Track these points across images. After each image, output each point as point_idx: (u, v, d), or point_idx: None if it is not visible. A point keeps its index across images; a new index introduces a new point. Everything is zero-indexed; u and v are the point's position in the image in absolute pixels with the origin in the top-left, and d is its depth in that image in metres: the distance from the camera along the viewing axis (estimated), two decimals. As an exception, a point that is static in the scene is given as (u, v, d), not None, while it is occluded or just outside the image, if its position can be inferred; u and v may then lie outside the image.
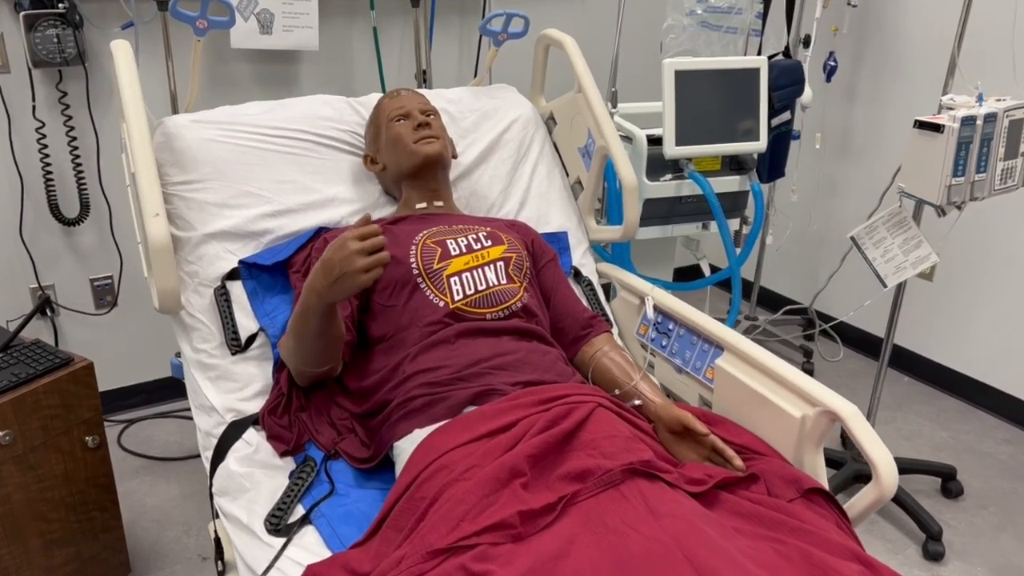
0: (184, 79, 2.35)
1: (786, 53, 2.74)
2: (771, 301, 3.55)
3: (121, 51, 1.61)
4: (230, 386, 1.55)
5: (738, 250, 2.35)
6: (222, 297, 1.61)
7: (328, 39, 2.71)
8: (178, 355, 1.65)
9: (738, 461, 1.33)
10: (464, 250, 1.59)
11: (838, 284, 3.14)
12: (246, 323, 1.60)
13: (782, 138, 2.49)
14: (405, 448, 1.34)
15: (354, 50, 2.81)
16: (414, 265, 1.54)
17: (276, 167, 1.77)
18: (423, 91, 2.03)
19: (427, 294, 1.52)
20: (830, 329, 3.18)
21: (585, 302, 1.83)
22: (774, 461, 1.34)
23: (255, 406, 1.53)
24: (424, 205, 1.75)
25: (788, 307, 3.22)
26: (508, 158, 2.02)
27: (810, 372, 3.35)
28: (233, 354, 1.57)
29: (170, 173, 1.70)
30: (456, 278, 1.54)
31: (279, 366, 1.55)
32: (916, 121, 1.94)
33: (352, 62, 2.82)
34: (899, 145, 2.91)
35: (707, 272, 2.50)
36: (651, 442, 1.36)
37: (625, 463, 1.14)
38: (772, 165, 2.50)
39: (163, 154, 1.72)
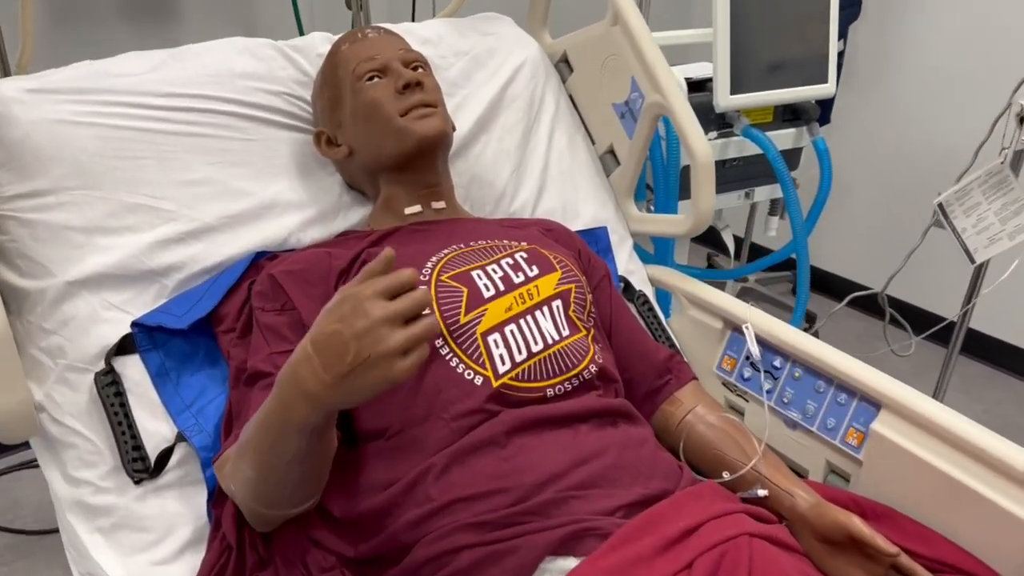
0: (9, 18, 1.60)
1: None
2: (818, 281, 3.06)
3: None
4: (136, 540, 0.94)
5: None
6: (110, 388, 0.98)
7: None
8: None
9: None
10: (501, 286, 1.01)
11: (879, 255, 2.68)
12: (154, 427, 0.99)
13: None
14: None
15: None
16: (429, 317, 0.95)
17: (178, 160, 1.12)
18: (390, 26, 1.39)
19: (454, 364, 0.95)
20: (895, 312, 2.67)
21: (642, 325, 1.28)
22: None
23: (182, 571, 0.93)
24: (418, 209, 1.15)
25: (855, 294, 2.62)
26: (517, 124, 1.42)
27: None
28: (137, 483, 0.96)
29: (-1, 181, 1.03)
30: (497, 336, 0.97)
31: (216, 496, 0.95)
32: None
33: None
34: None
35: (730, 245, 2.00)
36: None
37: None
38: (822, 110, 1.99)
39: (-18, 149, 1.04)
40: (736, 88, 1.58)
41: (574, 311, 1.05)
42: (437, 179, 1.16)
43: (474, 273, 1.02)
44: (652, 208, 1.61)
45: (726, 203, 1.80)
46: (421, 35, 1.40)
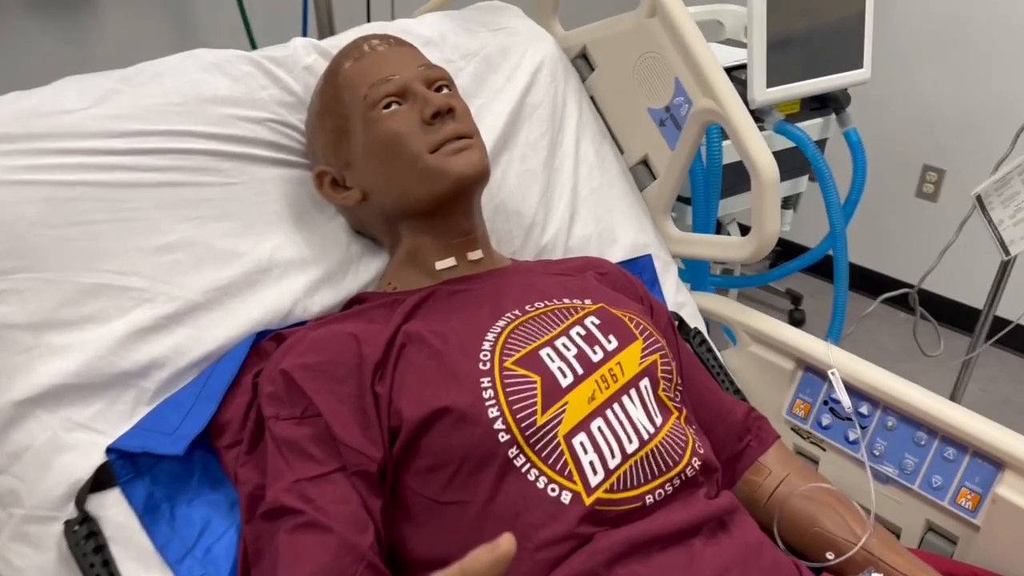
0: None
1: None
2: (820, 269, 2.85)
3: None
4: None
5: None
6: (86, 541, 0.75)
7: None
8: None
9: None
10: (579, 369, 0.81)
11: (905, 247, 2.54)
12: (147, 582, 0.76)
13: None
14: None
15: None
16: (498, 420, 0.75)
17: (146, 220, 0.88)
18: (383, 25, 1.15)
19: (533, 478, 0.75)
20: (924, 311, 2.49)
21: (709, 374, 1.10)
22: None
23: None
24: (451, 263, 0.93)
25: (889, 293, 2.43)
26: (541, 137, 1.20)
27: (800, 322, 2.83)
28: (131, 663, 0.74)
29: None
30: (583, 437, 0.77)
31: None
32: None
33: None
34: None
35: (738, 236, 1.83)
36: None
37: None
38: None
39: None
40: (773, 80, 1.39)
41: (663, 389, 0.85)
42: (472, 224, 0.94)
43: (543, 353, 0.81)
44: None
45: (743, 205, 1.62)
46: (421, 34, 1.16)
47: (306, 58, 1.05)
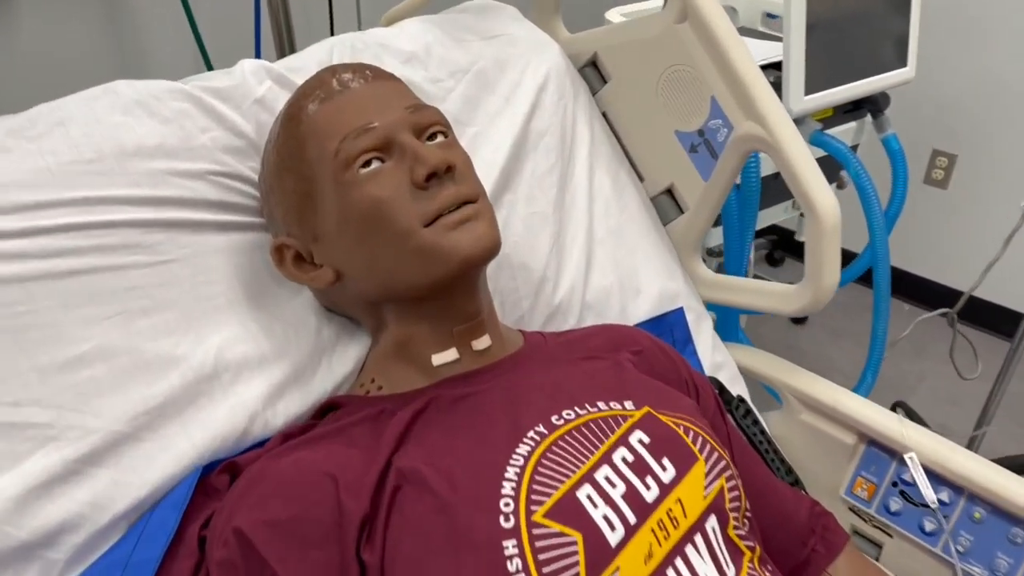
0: None
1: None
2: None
3: None
4: None
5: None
6: None
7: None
8: None
9: None
10: (631, 516, 0.63)
11: (916, 237, 2.33)
12: None
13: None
14: None
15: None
16: None
17: (48, 327, 0.67)
18: (353, 39, 0.94)
19: None
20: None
21: (762, 460, 0.92)
22: None
23: None
24: (453, 356, 0.73)
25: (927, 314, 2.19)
26: (549, 171, 0.99)
27: (803, 321, 2.66)
28: None
29: None
30: None
31: None
32: None
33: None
34: None
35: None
36: None
37: None
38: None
39: None
40: (812, 85, 1.19)
41: (734, 527, 0.66)
42: (477, 306, 0.74)
43: (583, 495, 0.62)
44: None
45: (773, 216, 1.43)
46: (401, 49, 0.95)
47: (257, 87, 0.83)
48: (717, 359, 1.03)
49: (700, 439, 0.70)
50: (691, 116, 1.00)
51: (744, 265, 1.16)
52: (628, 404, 0.71)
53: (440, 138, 0.72)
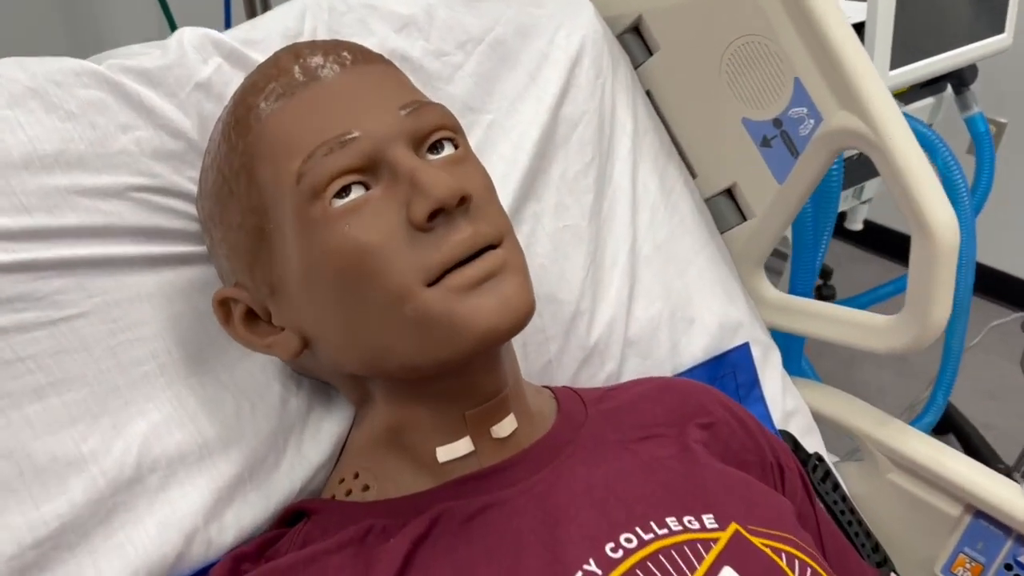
0: None
1: None
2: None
3: None
4: None
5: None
6: None
7: None
8: None
9: None
10: None
11: None
12: None
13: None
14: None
15: None
16: None
17: None
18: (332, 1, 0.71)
19: None
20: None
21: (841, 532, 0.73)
22: None
23: None
24: (467, 449, 0.53)
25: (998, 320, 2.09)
26: (585, 171, 0.78)
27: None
28: None
29: None
30: None
31: None
32: None
33: None
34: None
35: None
36: None
37: None
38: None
39: None
40: (899, 58, 0.97)
41: None
42: (501, 379, 0.54)
43: None
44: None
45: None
46: (395, 12, 0.72)
47: (201, 67, 0.62)
48: (788, 405, 0.83)
49: (809, 572, 0.51)
50: (765, 101, 0.79)
51: (813, 283, 0.96)
52: (709, 520, 0.52)
53: (448, 149, 0.51)
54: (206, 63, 0.62)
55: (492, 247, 0.49)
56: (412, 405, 0.53)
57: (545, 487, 0.53)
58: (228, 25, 1.41)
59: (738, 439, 0.63)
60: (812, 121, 0.76)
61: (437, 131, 0.51)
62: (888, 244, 2.35)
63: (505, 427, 0.54)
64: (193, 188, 0.59)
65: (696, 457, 0.57)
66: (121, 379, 0.54)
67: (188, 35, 0.63)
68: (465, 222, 0.48)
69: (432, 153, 0.51)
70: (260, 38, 0.65)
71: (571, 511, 0.51)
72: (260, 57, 0.63)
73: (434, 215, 0.46)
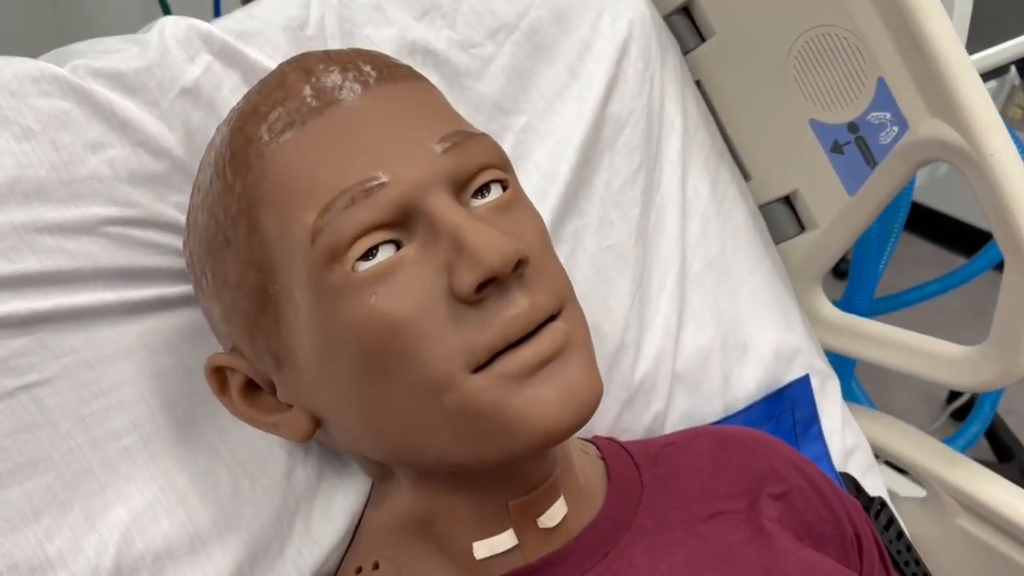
0: None
1: None
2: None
3: None
4: None
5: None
6: None
7: None
8: None
9: None
10: None
11: None
12: None
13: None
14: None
15: None
16: None
17: None
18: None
19: None
20: None
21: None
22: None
23: None
24: (509, 544, 0.45)
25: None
26: (631, 180, 0.68)
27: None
28: None
29: None
30: None
31: None
32: None
33: None
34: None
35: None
36: None
37: None
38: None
39: None
40: (977, 41, 0.86)
41: None
42: (553, 462, 0.45)
43: None
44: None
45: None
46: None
47: (187, 67, 0.51)
48: (848, 441, 0.74)
49: None
50: (840, 102, 0.68)
51: (871, 299, 0.87)
52: None
53: (496, 191, 0.42)
54: (193, 62, 0.51)
55: (551, 319, 0.40)
56: (445, 493, 0.44)
57: (601, 592, 0.45)
58: (218, 12, 1.27)
59: (814, 510, 0.54)
60: (896, 128, 0.66)
61: (484, 171, 0.41)
62: (938, 231, 2.23)
63: (554, 515, 0.46)
64: (179, 217, 0.49)
65: (774, 543, 0.49)
66: (95, 457, 0.45)
67: (170, 27, 0.52)
68: (520, 291, 0.38)
69: (476, 198, 0.41)
70: (258, 30, 0.54)
71: None
72: (257, 54, 0.53)
73: (484, 286, 0.37)
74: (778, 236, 0.79)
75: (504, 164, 0.43)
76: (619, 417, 0.65)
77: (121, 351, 0.47)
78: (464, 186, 0.40)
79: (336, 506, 0.51)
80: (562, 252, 0.64)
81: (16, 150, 0.45)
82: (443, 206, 0.38)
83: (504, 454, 0.39)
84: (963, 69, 0.61)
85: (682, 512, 0.50)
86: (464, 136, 0.41)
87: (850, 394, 0.89)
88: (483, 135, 0.42)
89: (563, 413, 0.38)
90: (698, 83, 0.78)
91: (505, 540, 0.45)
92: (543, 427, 0.38)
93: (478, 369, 0.38)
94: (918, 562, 0.72)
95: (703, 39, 0.77)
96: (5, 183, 0.44)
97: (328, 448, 0.52)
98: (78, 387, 0.45)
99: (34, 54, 0.49)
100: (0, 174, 0.44)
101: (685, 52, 0.78)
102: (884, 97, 0.66)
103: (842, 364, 0.88)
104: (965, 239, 2.02)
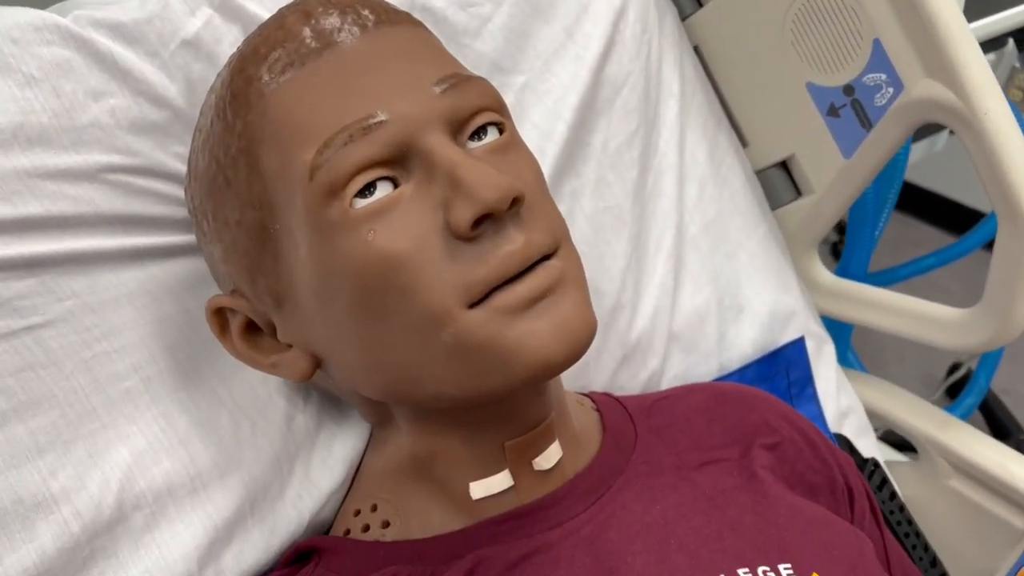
0: None
1: None
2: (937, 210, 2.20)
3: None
4: None
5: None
6: None
7: None
8: None
9: None
10: None
11: None
12: None
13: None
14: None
15: None
16: None
17: None
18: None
19: None
20: None
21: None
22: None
23: None
24: (505, 484, 0.45)
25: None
26: (629, 142, 0.68)
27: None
28: None
29: None
30: None
31: None
32: None
33: None
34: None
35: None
36: None
37: None
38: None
39: None
40: (976, 9, 0.87)
41: None
42: (548, 404, 0.46)
43: None
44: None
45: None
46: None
47: (188, 19, 0.52)
48: (843, 404, 0.75)
49: None
50: (836, 64, 0.69)
51: (867, 264, 0.87)
52: (786, 570, 0.44)
53: (492, 134, 0.42)
54: (194, 15, 0.52)
55: (547, 257, 0.40)
56: (442, 434, 0.45)
57: (594, 528, 0.46)
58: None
59: (805, 460, 0.55)
60: (891, 90, 0.66)
61: (480, 113, 0.41)
62: (934, 212, 2.22)
63: (550, 457, 0.46)
64: (180, 167, 0.50)
65: (766, 489, 0.50)
66: (98, 398, 0.46)
67: None
68: (516, 229, 0.39)
69: (473, 140, 0.41)
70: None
71: (626, 558, 0.44)
72: (257, 8, 0.53)
73: (480, 221, 0.38)
74: (775, 202, 0.80)
75: (501, 107, 0.43)
76: (615, 375, 0.66)
77: (123, 296, 0.48)
78: (461, 127, 0.41)
79: (335, 453, 0.52)
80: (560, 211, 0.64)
81: (19, 96, 0.46)
82: (440, 144, 0.39)
83: (500, 387, 0.39)
84: (959, 29, 0.62)
85: (675, 459, 0.51)
86: (461, 78, 0.42)
87: (845, 362, 0.90)
88: (480, 78, 0.43)
89: (557, 345, 0.39)
90: (696, 49, 0.79)
91: (501, 480, 0.46)
92: (537, 359, 0.38)
93: (474, 304, 0.39)
94: (910, 522, 0.73)
95: (700, 4, 0.77)
96: (8, 128, 0.45)
97: (327, 396, 0.53)
98: (81, 330, 0.46)
99: (40, 6, 0.50)
100: (3, 120, 0.45)
101: (683, 17, 0.78)
102: (880, 58, 0.66)
103: (838, 332, 0.88)
104: (964, 221, 2.01)
